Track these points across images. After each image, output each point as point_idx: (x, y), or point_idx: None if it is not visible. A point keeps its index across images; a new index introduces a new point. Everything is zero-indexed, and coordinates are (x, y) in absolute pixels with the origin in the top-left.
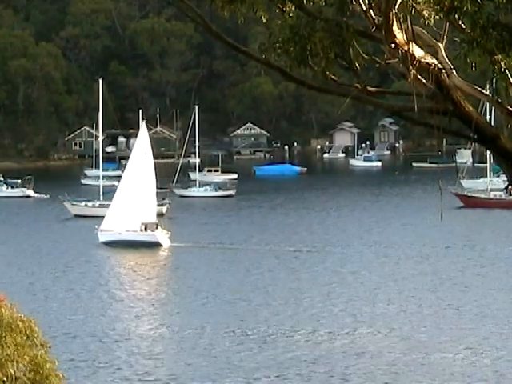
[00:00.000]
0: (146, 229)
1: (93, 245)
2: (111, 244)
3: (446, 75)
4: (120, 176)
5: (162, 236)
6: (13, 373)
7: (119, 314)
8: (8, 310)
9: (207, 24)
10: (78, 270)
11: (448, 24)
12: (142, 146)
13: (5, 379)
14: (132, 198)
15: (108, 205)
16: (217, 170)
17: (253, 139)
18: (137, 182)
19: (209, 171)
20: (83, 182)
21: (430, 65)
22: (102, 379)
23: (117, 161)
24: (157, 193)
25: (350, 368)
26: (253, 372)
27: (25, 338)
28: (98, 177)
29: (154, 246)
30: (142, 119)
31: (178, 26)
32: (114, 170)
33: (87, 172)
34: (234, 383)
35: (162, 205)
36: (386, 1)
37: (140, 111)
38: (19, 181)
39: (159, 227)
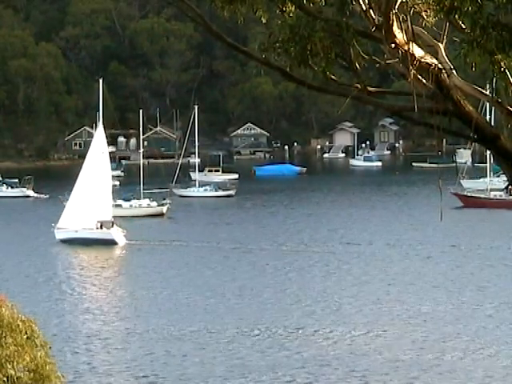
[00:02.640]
0: (101, 227)
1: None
2: (68, 242)
3: (446, 75)
4: (119, 176)
5: (117, 234)
6: (13, 373)
7: (80, 313)
8: (8, 310)
9: (207, 24)
10: (33, 267)
11: (448, 24)
12: (99, 145)
13: (5, 379)
14: (88, 196)
15: None
16: (217, 170)
17: (253, 139)
18: (93, 180)
19: (209, 171)
20: None
21: (430, 65)
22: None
23: (117, 161)
24: (157, 193)
25: (355, 368)
26: (233, 373)
27: (25, 337)
28: None
29: (110, 243)
30: (142, 119)
31: (177, 26)
32: (113, 169)
33: None
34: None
35: (162, 205)
36: (386, 1)
37: (140, 111)
38: (17, 180)
39: (114, 225)
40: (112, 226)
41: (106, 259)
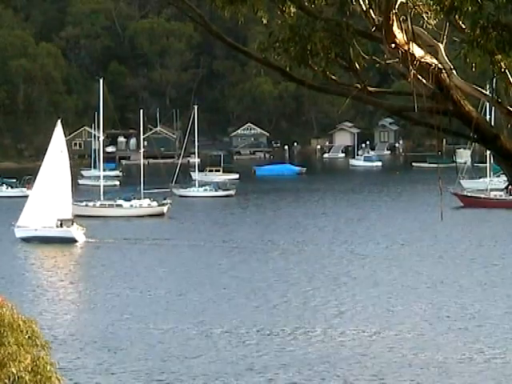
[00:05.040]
0: (61, 225)
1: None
2: (28, 240)
3: (446, 75)
4: (118, 176)
5: (77, 232)
6: (15, 372)
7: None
8: (9, 310)
9: (207, 24)
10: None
11: (448, 24)
12: (57, 144)
13: (6, 381)
14: (48, 194)
15: (109, 205)
16: (218, 170)
17: (253, 139)
18: (53, 179)
19: (210, 171)
20: (80, 182)
21: (430, 65)
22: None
23: (117, 161)
24: (157, 193)
25: (358, 368)
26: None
27: (26, 337)
28: (95, 177)
29: (70, 241)
30: (143, 119)
31: (177, 26)
32: (111, 169)
33: (84, 172)
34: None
35: (162, 204)
36: (386, 1)
37: (140, 111)
38: (15, 180)
39: (74, 223)
40: (72, 224)
41: (66, 257)
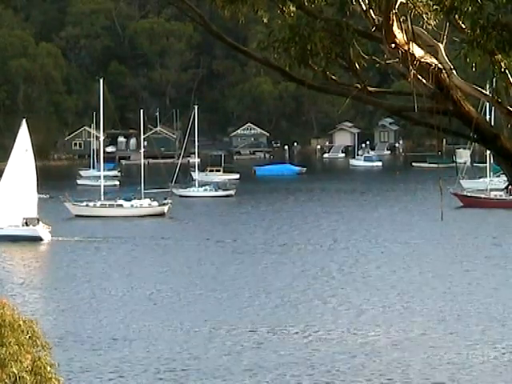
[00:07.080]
0: (27, 223)
1: None
2: None
3: (446, 75)
4: (116, 176)
5: (43, 230)
6: (16, 372)
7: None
8: (10, 310)
9: (207, 24)
10: None
11: (448, 24)
12: (22, 143)
13: (7, 381)
14: (13, 193)
15: (110, 205)
16: (218, 170)
17: (253, 139)
18: (18, 178)
19: (211, 171)
20: (79, 182)
21: (430, 65)
22: None
23: (116, 161)
24: (157, 193)
25: (359, 368)
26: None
27: (27, 337)
28: (94, 177)
29: (36, 240)
30: (143, 119)
31: (177, 26)
32: (110, 169)
33: (82, 172)
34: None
35: (163, 204)
36: (386, 1)
37: (141, 111)
38: None
39: (40, 222)
40: (38, 222)
41: (32, 256)
